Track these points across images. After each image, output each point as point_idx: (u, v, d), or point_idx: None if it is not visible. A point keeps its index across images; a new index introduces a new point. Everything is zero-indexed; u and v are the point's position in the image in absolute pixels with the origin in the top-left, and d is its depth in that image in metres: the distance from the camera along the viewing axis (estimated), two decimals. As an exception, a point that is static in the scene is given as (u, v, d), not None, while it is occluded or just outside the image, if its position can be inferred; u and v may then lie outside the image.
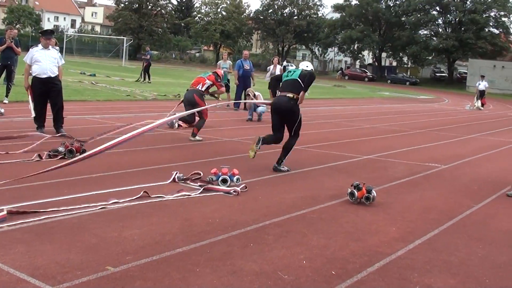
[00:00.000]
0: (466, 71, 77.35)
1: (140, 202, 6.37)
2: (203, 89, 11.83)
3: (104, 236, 5.13)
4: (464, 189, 8.64)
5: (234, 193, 7.09)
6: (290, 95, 8.73)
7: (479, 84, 33.37)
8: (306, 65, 9.38)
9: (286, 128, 9.05)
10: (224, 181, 7.38)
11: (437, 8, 74.26)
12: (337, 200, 7.24)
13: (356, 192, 7.11)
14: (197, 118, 11.99)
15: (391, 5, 78.28)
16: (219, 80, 12.25)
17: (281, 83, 9.06)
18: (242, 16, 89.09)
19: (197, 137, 11.59)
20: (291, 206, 6.72)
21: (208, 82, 11.94)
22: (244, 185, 7.45)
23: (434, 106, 32.43)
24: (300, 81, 8.81)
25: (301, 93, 8.76)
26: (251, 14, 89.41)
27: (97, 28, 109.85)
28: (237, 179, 7.53)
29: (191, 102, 11.54)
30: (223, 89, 12.96)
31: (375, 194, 7.16)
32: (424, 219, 6.62)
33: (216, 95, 12.74)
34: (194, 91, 11.73)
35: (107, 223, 5.52)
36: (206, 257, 4.74)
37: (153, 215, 5.94)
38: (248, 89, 18.09)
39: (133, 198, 6.44)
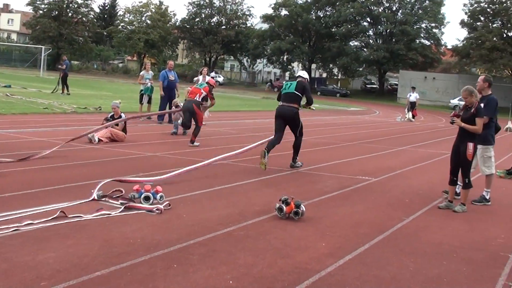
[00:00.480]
0: (396, 83, 79.84)
1: (57, 223, 6.19)
2: (200, 99, 13.99)
3: (16, 260, 4.96)
4: (395, 202, 8.86)
5: (157, 211, 7.01)
6: (293, 106, 11.33)
7: (410, 95, 34.46)
8: (303, 73, 11.93)
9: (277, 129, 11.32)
10: (147, 199, 7.29)
11: (368, 19, 76.54)
12: (265, 215, 7.27)
13: (284, 207, 7.17)
14: (193, 126, 14.06)
15: (321, 15, 79.85)
16: (212, 92, 14.34)
17: (281, 95, 11.56)
18: (168, 25, 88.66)
19: (195, 143, 13.77)
20: (217, 223, 6.70)
21: (203, 93, 14.04)
22: (167, 202, 7.38)
23: (365, 118, 33.23)
24: (297, 93, 11.31)
25: (307, 105, 11.91)
26: (177, 23, 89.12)
27: (14, 36, 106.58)
28: (161, 196, 7.46)
29: (190, 110, 13.76)
30: (215, 101, 15.12)
31: (304, 209, 7.24)
32: (355, 233, 6.74)
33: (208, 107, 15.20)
34: (193, 101, 13.85)
35: (20, 247, 5.34)
36: (126, 280, 4.65)
37: (70, 236, 5.79)
38: (173, 101, 17.98)
39: (48, 219, 6.26)
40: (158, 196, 7.42)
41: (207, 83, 14.51)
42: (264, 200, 8.19)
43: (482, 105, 9.12)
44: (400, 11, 75.39)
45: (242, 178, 9.86)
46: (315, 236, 6.48)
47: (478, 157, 9.41)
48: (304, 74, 11.84)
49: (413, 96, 34.41)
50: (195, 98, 13.88)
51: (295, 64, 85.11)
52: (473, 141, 8.53)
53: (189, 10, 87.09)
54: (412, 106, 34.26)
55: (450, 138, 22.56)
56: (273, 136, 11.49)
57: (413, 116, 34.04)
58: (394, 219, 7.64)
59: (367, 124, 27.80)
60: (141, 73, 20.86)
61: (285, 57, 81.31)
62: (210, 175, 9.89)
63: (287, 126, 11.51)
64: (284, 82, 12.39)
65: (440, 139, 21.89)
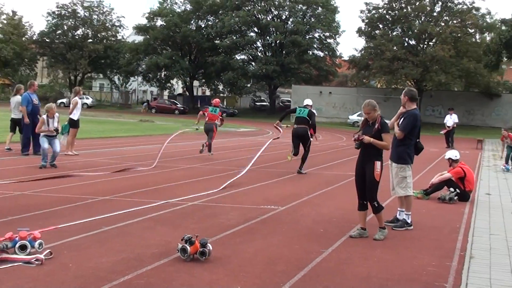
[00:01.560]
0: (289, 99, 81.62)
1: None
2: (218, 122, 21.65)
3: None
4: (309, 233, 8.95)
5: (37, 262, 6.66)
6: (305, 126, 17.11)
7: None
8: (309, 101, 17.97)
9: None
10: (23, 248, 6.91)
11: (255, 29, 77.65)
12: (166, 258, 7.12)
13: (188, 247, 7.04)
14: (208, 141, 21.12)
15: (203, 26, 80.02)
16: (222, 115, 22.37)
17: (296, 118, 17.32)
18: (24, 38, 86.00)
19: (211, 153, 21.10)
20: (111, 271, 6.46)
21: (219, 117, 21.70)
22: (48, 250, 7.02)
23: (257, 140, 33.55)
24: (308, 118, 17.06)
25: (312, 131, 17.32)
26: (35, 37, 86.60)
27: None
28: (40, 244, 7.09)
29: (211, 130, 21.14)
30: (224, 122, 22.94)
31: (211, 248, 7.16)
32: (271, 271, 6.72)
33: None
34: (213, 124, 21.25)
35: None
36: None
37: None
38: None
39: None
40: (36, 244, 7.05)
41: (218, 108, 21.84)
42: (161, 240, 8.04)
43: (402, 119, 9.50)
44: (291, 19, 76.66)
45: (131, 216, 9.63)
46: (228, 279, 6.39)
47: (393, 176, 9.73)
48: (310, 102, 17.91)
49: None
50: (215, 121, 21.38)
51: (174, 81, 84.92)
52: (380, 159, 8.76)
53: (49, 22, 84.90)
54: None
55: (354, 158, 23.24)
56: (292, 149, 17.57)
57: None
58: (312, 253, 7.70)
59: (260, 146, 27.99)
60: (12, 98, 19.79)
61: (163, 73, 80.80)
62: (92, 213, 9.59)
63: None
64: (297, 107, 17.46)
65: (344, 160, 22.51)
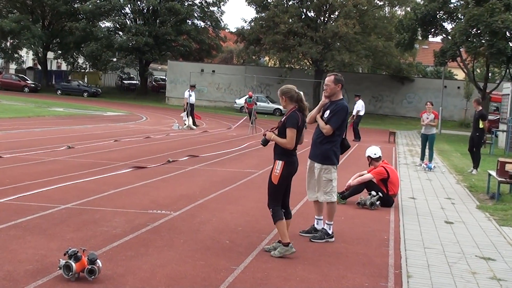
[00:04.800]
0: (164, 77, 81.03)
1: None
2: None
3: None
4: (213, 245, 8.94)
5: None
6: None
7: (190, 95, 35.22)
8: None
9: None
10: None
11: (123, -9, 76.21)
12: (45, 277, 6.94)
13: (73, 263, 6.88)
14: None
15: (59, -15, 77.99)
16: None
17: None
18: None
19: None
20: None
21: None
22: None
23: (129, 126, 33.31)
24: None
25: None
26: None
27: None
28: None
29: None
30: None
31: (101, 264, 7.02)
32: (177, 294, 6.65)
33: None
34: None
35: None
36: None
37: None
38: None
39: None
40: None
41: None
42: (34, 254, 7.84)
43: (328, 112, 9.56)
44: (167, -19, 76.10)
45: (-9, 223, 9.31)
46: (127, 303, 6.27)
47: (316, 179, 9.81)
48: None
49: (193, 96, 35.35)
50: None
51: (24, 52, 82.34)
52: (283, 158, 8.75)
53: None
54: (192, 109, 35.09)
55: (248, 151, 23.53)
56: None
57: (194, 123, 34.87)
58: (221, 270, 7.71)
59: (134, 134, 27.77)
60: None
61: (8, 42, 78.23)
62: None
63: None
64: None
65: (237, 153, 22.61)
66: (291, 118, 8.69)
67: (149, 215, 10.67)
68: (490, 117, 36.99)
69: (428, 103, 22.19)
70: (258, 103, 45.32)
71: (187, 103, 35.07)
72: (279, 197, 8.76)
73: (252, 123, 34.87)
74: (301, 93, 8.95)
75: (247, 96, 42.25)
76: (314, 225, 10.12)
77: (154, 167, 17.19)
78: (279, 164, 8.68)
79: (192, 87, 36.79)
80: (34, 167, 15.74)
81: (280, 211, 8.70)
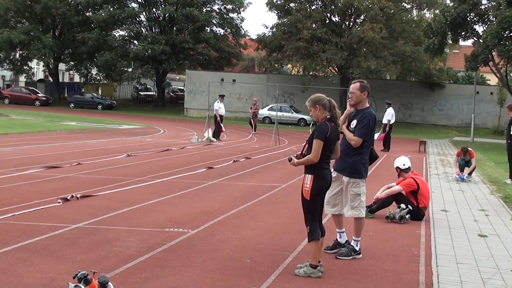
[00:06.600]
0: (182, 88, 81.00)
1: None
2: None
3: None
4: (233, 265, 8.84)
5: None
6: None
7: (219, 107, 35.30)
8: None
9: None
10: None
11: (138, -1, 76.40)
12: (53, 302, 6.83)
13: (83, 287, 6.77)
14: None
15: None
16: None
17: None
18: None
19: None
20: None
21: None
22: None
23: (146, 140, 33.27)
24: None
25: None
26: None
27: None
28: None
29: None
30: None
31: (113, 287, 6.95)
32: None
33: None
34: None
35: None
36: None
37: None
38: None
39: None
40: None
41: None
42: (42, 278, 7.79)
43: (355, 121, 9.42)
44: (183, -14, 76.12)
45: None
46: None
47: (344, 193, 9.67)
48: None
49: (223, 108, 35.53)
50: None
51: (34, 63, 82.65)
52: (312, 172, 8.61)
53: None
54: (221, 120, 35.30)
55: (271, 164, 23.43)
56: None
57: (218, 135, 34.95)
58: (242, 292, 7.57)
59: (151, 148, 27.76)
60: None
61: (17, 53, 78.65)
62: None
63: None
64: None
65: (259, 166, 22.50)
66: (319, 128, 8.57)
67: (165, 234, 10.58)
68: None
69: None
70: (281, 113, 46.29)
71: (219, 114, 35.22)
72: (315, 214, 8.62)
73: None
74: (333, 100, 8.82)
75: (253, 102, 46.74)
76: (337, 239, 9.97)
77: (158, 181, 17.13)
78: (308, 178, 8.55)
79: (221, 97, 36.80)
80: (43, 185, 15.70)
81: (318, 231, 8.57)
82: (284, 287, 7.92)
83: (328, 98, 8.76)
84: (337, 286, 8.11)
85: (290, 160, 8.71)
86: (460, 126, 60.77)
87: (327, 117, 8.69)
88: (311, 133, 8.69)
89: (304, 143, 8.81)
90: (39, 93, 76.09)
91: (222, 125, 35.63)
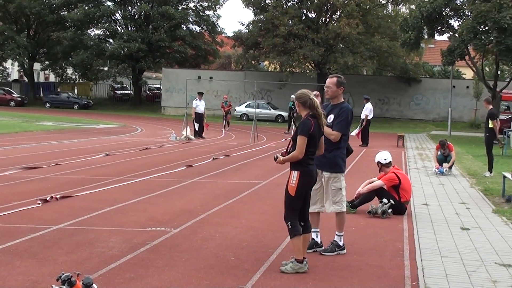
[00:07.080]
0: (159, 86, 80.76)
1: None
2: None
3: None
4: (218, 263, 8.81)
5: None
6: None
7: (197, 105, 35.30)
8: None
9: None
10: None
11: (113, -3, 75.97)
12: (37, 305, 6.75)
13: (67, 290, 6.71)
14: None
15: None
16: None
17: None
18: None
19: None
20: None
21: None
22: None
23: (124, 139, 33.16)
24: None
25: None
26: None
27: None
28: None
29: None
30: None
31: (97, 289, 6.87)
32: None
33: None
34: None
35: None
36: None
37: None
38: None
39: None
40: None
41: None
42: (25, 280, 7.72)
43: (332, 116, 9.39)
44: (159, -16, 75.86)
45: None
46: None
47: (324, 189, 9.63)
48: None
49: (202, 105, 35.46)
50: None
51: (8, 63, 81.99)
52: (298, 168, 8.58)
53: None
54: (201, 118, 35.24)
55: (250, 161, 23.40)
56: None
57: (201, 133, 34.95)
58: (228, 290, 7.53)
59: (130, 147, 27.63)
60: None
61: (-8, 53, 78.11)
62: None
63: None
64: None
65: (238, 163, 22.44)
66: (303, 125, 8.58)
67: (147, 233, 10.52)
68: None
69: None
70: (259, 109, 46.29)
71: (195, 112, 35.24)
72: (296, 210, 8.61)
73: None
74: (316, 100, 8.76)
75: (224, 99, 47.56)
76: (313, 238, 9.86)
77: (137, 180, 17.05)
78: (294, 174, 8.54)
79: (200, 94, 36.71)
80: (22, 186, 15.54)
81: (298, 225, 8.53)
82: (270, 284, 7.88)
83: (311, 97, 8.70)
84: (323, 282, 8.07)
85: (276, 158, 8.68)
86: (437, 120, 61.08)
87: (310, 113, 8.66)
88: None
89: (289, 140, 8.79)
90: (14, 94, 75.31)
91: (205, 121, 35.87)
